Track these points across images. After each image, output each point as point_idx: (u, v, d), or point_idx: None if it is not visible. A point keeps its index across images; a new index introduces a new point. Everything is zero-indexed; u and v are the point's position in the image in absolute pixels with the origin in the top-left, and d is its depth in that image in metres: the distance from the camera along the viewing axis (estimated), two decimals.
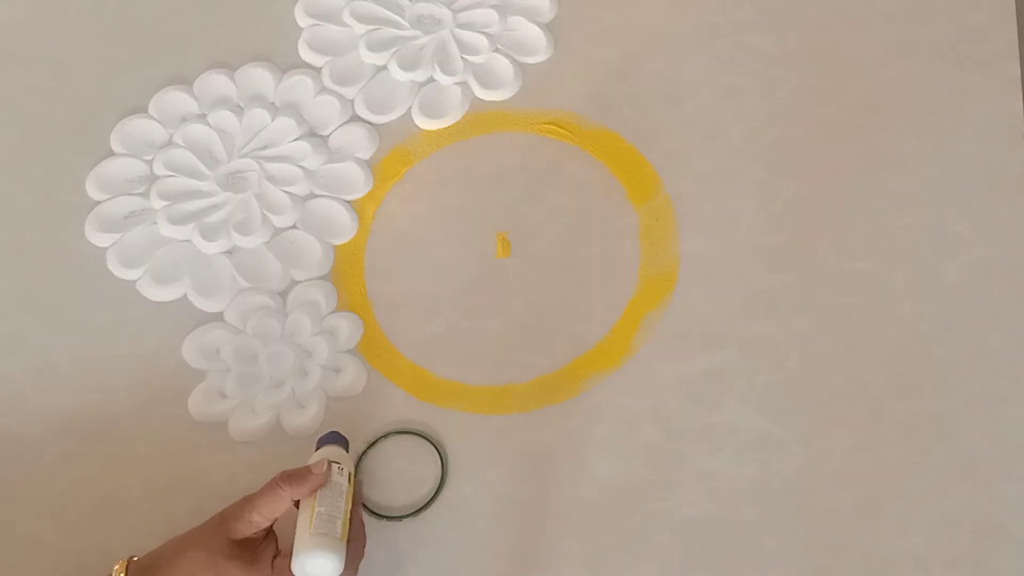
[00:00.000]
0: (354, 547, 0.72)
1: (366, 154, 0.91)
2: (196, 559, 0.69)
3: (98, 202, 0.90)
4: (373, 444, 0.80)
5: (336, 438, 0.77)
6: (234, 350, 0.84)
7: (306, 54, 0.95)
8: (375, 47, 0.94)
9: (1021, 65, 0.88)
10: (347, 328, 0.84)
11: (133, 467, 0.80)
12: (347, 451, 0.77)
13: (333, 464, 0.73)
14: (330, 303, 0.85)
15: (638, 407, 0.80)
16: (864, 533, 0.76)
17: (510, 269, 0.86)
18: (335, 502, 0.71)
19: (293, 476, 0.71)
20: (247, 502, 0.71)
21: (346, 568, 0.69)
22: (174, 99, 0.93)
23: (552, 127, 0.90)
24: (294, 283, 0.86)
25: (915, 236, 0.84)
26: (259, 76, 0.94)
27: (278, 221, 0.88)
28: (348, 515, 0.71)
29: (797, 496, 0.77)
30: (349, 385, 0.82)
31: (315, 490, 0.71)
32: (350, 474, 0.74)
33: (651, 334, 0.83)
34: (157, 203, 0.89)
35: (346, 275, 0.87)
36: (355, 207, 0.89)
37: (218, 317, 0.85)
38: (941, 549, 0.75)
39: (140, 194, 0.90)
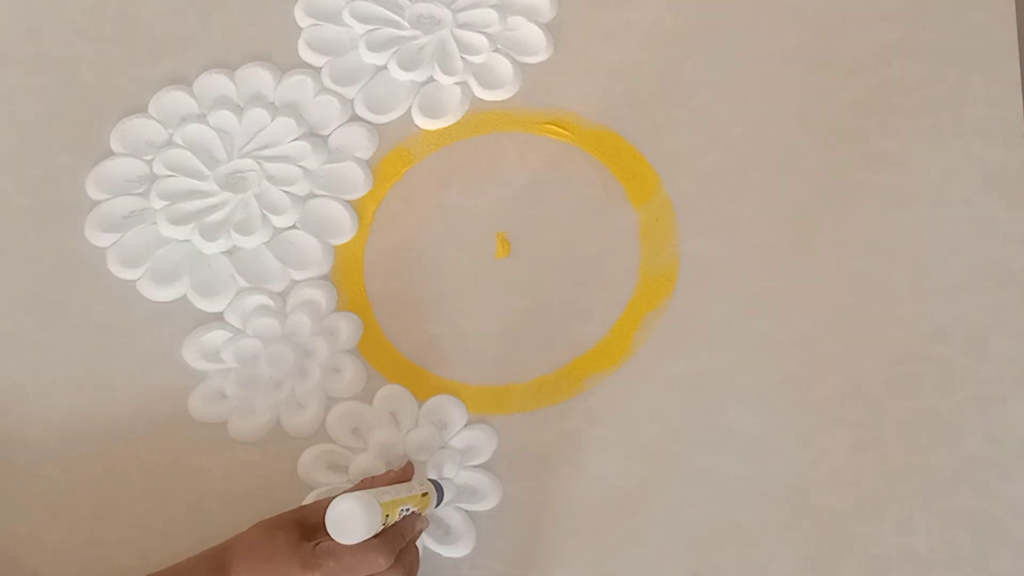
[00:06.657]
0: (394, 533, 0.70)
1: (366, 154, 0.91)
2: (260, 525, 0.71)
3: (98, 202, 0.90)
4: None
5: (436, 484, 0.76)
6: (234, 350, 0.84)
7: (306, 54, 0.94)
8: (375, 47, 0.94)
9: (1021, 65, 0.88)
10: (347, 328, 0.84)
11: (133, 467, 0.80)
12: (438, 500, 0.76)
13: (417, 480, 0.75)
14: (330, 303, 0.85)
15: (638, 407, 0.80)
16: (864, 533, 0.76)
17: (510, 269, 0.86)
18: (397, 489, 0.71)
19: (377, 476, 0.75)
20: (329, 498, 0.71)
21: (383, 548, 0.68)
22: (174, 99, 0.93)
23: (552, 127, 0.90)
24: (294, 283, 0.86)
25: (915, 236, 0.84)
26: (259, 76, 0.94)
27: (278, 221, 0.88)
28: (400, 507, 0.70)
29: (797, 496, 0.77)
30: (349, 385, 0.82)
31: (390, 482, 0.73)
32: (424, 495, 0.74)
33: (651, 334, 0.82)
34: (157, 203, 0.89)
35: (346, 275, 0.87)
36: (355, 207, 0.89)
37: (218, 317, 0.85)
38: (941, 549, 0.75)
39: (140, 194, 0.90)
